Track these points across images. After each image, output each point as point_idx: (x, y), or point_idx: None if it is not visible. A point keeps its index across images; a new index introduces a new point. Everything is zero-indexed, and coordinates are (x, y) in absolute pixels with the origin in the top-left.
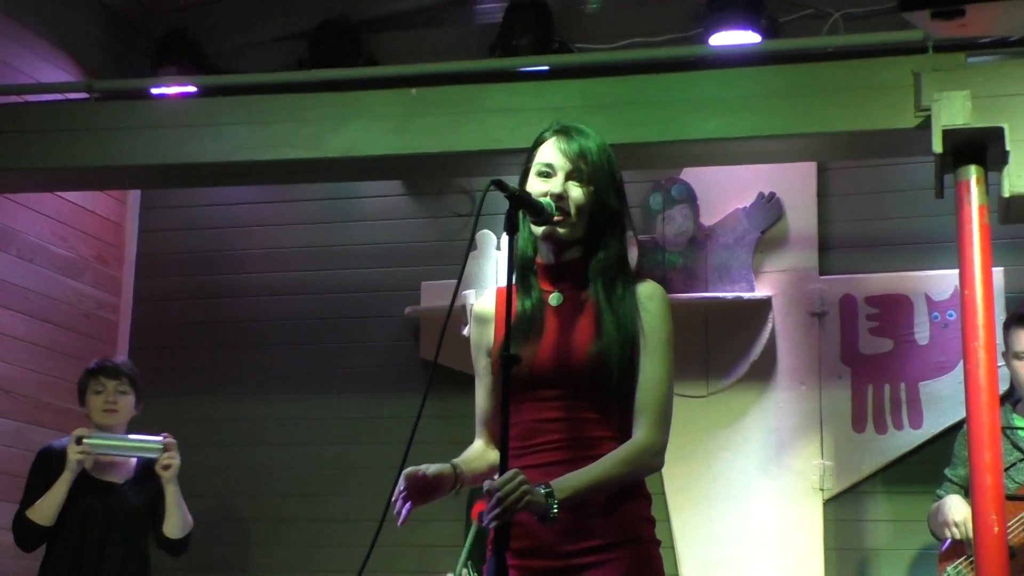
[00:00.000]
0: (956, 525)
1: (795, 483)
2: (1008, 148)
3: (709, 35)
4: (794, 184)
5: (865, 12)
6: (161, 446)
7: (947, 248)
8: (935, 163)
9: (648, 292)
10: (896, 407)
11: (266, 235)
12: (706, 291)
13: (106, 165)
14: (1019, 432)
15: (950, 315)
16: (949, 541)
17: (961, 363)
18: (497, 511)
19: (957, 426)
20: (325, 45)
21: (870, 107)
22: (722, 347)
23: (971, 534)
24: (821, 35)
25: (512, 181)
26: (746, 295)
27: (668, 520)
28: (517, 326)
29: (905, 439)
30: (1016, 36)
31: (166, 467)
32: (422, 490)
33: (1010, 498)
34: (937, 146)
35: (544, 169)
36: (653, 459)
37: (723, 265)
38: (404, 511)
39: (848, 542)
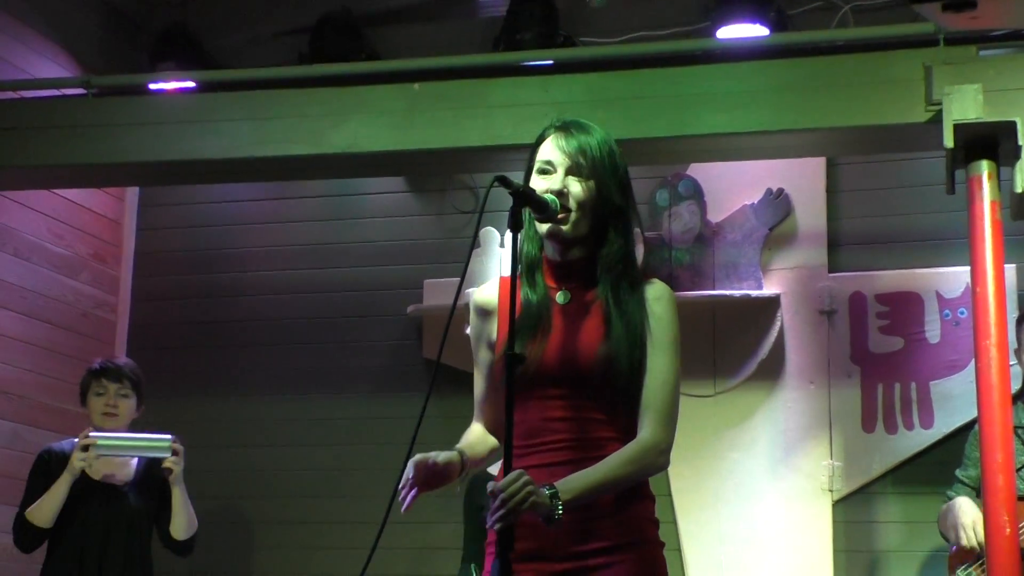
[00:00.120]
0: (965, 528)
1: (804, 484)
2: (1021, 143)
3: (716, 28)
4: (803, 180)
5: (875, 5)
6: (169, 445)
7: (958, 245)
8: (946, 158)
9: (655, 292)
10: (907, 407)
11: (267, 233)
12: (713, 289)
13: (104, 162)
14: None
15: (961, 313)
16: (956, 546)
17: (973, 362)
18: (502, 513)
19: (968, 426)
20: (326, 39)
21: (880, 101)
22: (730, 346)
23: (981, 537)
24: (830, 28)
25: (516, 177)
26: (754, 293)
27: (675, 521)
28: (522, 322)
29: (916, 439)
30: None
31: (169, 470)
32: (430, 478)
33: (1022, 499)
34: (948, 141)
35: (544, 166)
36: (659, 458)
37: (731, 262)
38: (409, 498)
39: (858, 544)
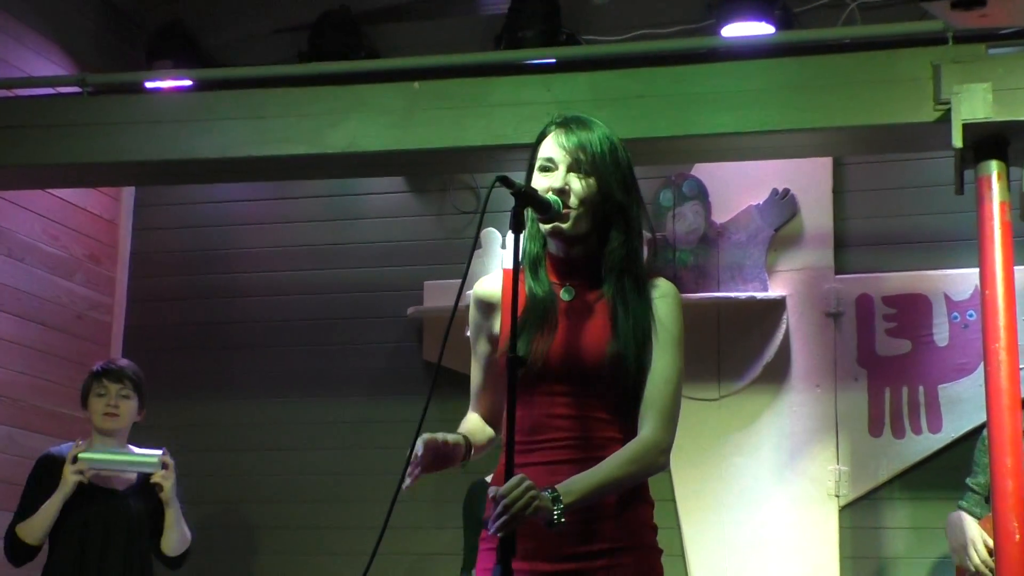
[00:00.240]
0: (965, 550)
1: (810, 489)
2: None
3: (721, 26)
4: (809, 180)
5: (882, 2)
6: (159, 460)
7: (967, 246)
8: (955, 158)
9: (660, 291)
10: (914, 411)
11: (264, 233)
12: (718, 291)
13: (99, 161)
14: None
15: (970, 315)
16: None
17: (981, 365)
18: (504, 519)
19: (977, 430)
20: (325, 37)
21: (887, 100)
22: (734, 348)
23: (983, 554)
24: (837, 26)
25: (518, 177)
26: (759, 295)
27: (679, 527)
28: (528, 317)
29: (923, 444)
30: None
31: (159, 486)
32: (437, 458)
33: None
34: (957, 140)
35: (545, 164)
36: (659, 457)
37: (735, 264)
38: (413, 477)
39: (864, 550)
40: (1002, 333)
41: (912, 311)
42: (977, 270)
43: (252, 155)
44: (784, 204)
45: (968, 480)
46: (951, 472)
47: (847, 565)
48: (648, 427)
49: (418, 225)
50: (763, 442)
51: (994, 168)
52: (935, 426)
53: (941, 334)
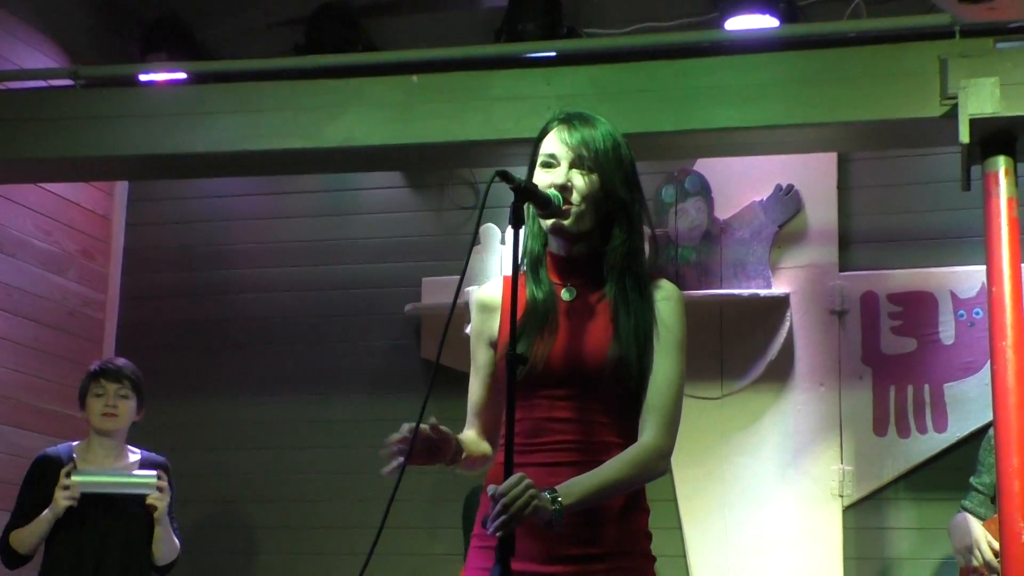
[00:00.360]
0: (972, 549)
1: (813, 489)
2: None
3: (725, 19)
4: (813, 176)
5: None
6: (154, 482)
7: (974, 243)
8: (962, 154)
9: (663, 293)
10: (920, 410)
11: (261, 229)
12: (721, 288)
13: (92, 155)
14: None
15: (977, 313)
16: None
17: (988, 364)
18: (504, 519)
19: (983, 430)
20: (323, 30)
21: (893, 95)
22: (737, 346)
23: (989, 555)
24: (842, 19)
25: (518, 172)
26: (763, 292)
27: (680, 527)
28: (527, 320)
29: (929, 443)
30: None
31: (154, 507)
32: (423, 447)
33: None
34: (964, 136)
35: (547, 159)
36: (660, 462)
37: (739, 261)
38: (395, 462)
39: (869, 551)
40: (1009, 331)
41: (918, 309)
42: (984, 267)
43: (248, 150)
44: (788, 200)
45: (972, 479)
46: (957, 472)
47: (851, 566)
48: (649, 432)
49: (416, 221)
50: (766, 441)
51: (1001, 164)
52: (941, 426)
53: (947, 332)
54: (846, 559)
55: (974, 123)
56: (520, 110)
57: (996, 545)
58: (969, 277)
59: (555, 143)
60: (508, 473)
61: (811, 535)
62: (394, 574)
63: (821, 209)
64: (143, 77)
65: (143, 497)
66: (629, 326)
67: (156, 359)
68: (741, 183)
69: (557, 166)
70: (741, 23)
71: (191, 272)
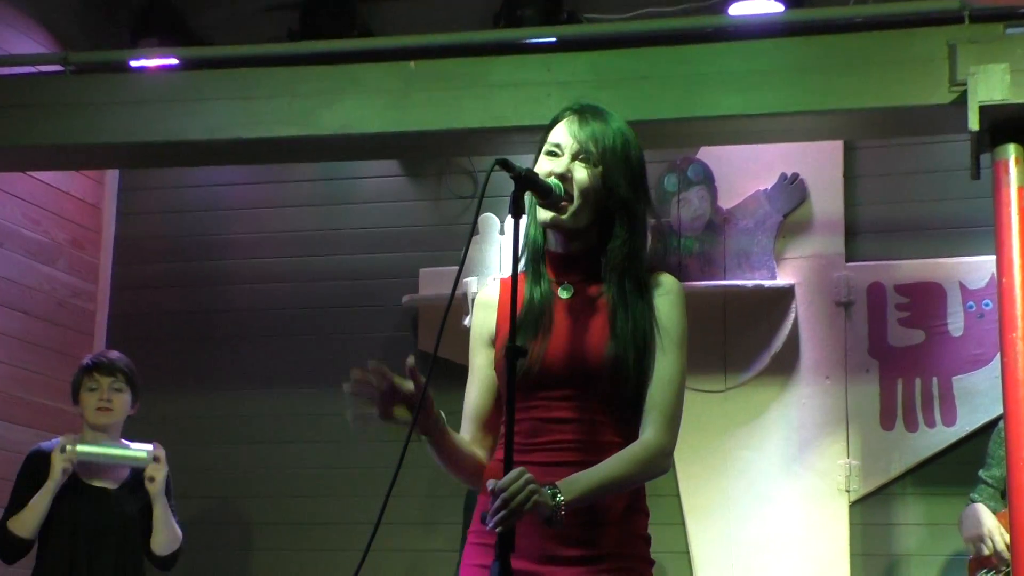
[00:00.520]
0: (984, 539)
1: (819, 484)
2: None
3: (729, 4)
4: (819, 164)
5: None
6: (151, 455)
7: (983, 233)
8: (971, 141)
9: (663, 287)
10: (928, 403)
11: (254, 219)
12: (724, 279)
13: (82, 143)
14: None
15: (986, 304)
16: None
17: (998, 356)
18: (503, 514)
19: (993, 423)
20: (318, 15)
21: (901, 81)
22: (741, 339)
23: (1000, 545)
24: (848, 4)
25: (518, 161)
26: (767, 283)
27: (683, 524)
28: (524, 317)
29: (937, 437)
30: None
31: (152, 479)
32: (403, 398)
33: None
34: (973, 123)
35: (553, 148)
36: (663, 460)
37: (742, 251)
38: (363, 413)
39: (876, 547)
40: (1019, 323)
41: (926, 300)
42: (993, 258)
43: (241, 137)
44: (793, 189)
45: (981, 472)
46: (965, 467)
47: (857, 563)
48: (650, 430)
49: (413, 210)
50: (771, 436)
51: (1012, 152)
52: (949, 419)
53: (956, 324)
54: (853, 555)
55: (983, 110)
56: (519, 97)
57: (1007, 537)
58: (978, 267)
59: (563, 134)
60: (508, 469)
61: (817, 531)
62: (391, 570)
63: (827, 198)
64: (134, 63)
65: (138, 492)
66: (627, 326)
67: (148, 351)
68: (745, 172)
69: (561, 156)
70: (745, 8)
71: (184, 262)
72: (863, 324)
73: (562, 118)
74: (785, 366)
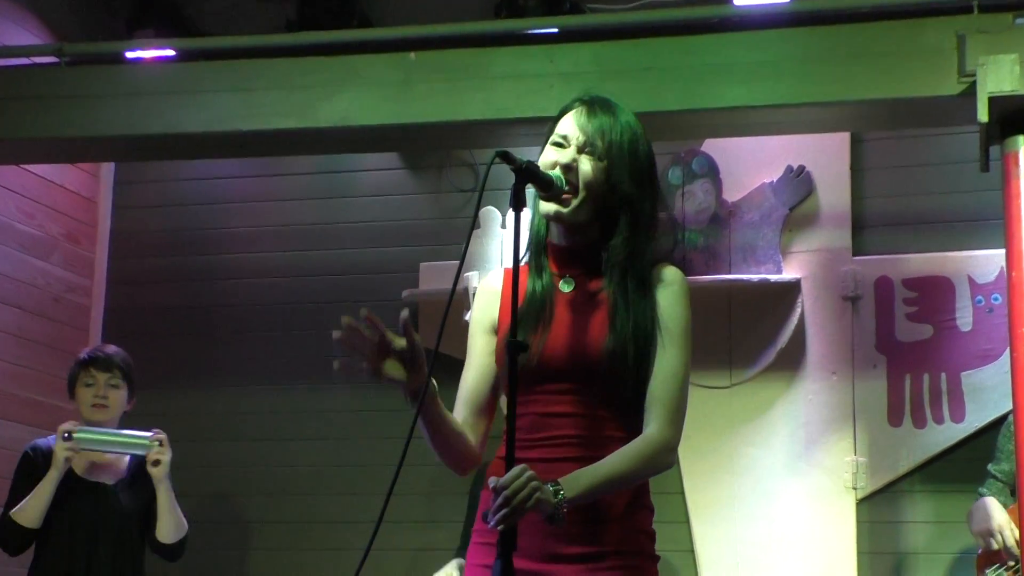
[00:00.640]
0: (994, 533)
1: (825, 482)
2: None
3: None
4: (826, 157)
5: None
6: (152, 441)
7: (992, 226)
8: (980, 133)
9: (666, 278)
10: (936, 399)
11: (252, 213)
12: (729, 273)
13: (77, 135)
14: None
15: (995, 299)
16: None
17: (1007, 351)
18: (505, 512)
19: (1002, 420)
20: (316, 5)
21: (909, 72)
22: (746, 334)
23: (1010, 541)
24: None
25: (520, 153)
26: (773, 277)
27: (688, 522)
28: (525, 310)
29: (946, 434)
30: None
31: (156, 463)
32: (398, 356)
33: None
34: (983, 115)
35: (559, 140)
36: (667, 456)
37: (748, 245)
38: (350, 364)
39: (883, 545)
40: None
41: (934, 294)
42: (1003, 251)
43: (239, 130)
44: (799, 182)
45: (990, 467)
46: (975, 464)
47: (864, 561)
48: (654, 424)
49: (414, 204)
50: (777, 432)
51: (1021, 144)
52: (958, 415)
53: (964, 318)
54: (860, 554)
55: (993, 101)
56: (521, 88)
57: (1018, 533)
58: (987, 261)
59: (571, 125)
60: (510, 466)
61: (823, 529)
62: (392, 569)
63: (834, 191)
64: (130, 54)
65: (136, 487)
66: (627, 322)
67: (144, 347)
68: (750, 164)
69: (567, 147)
70: None
71: (180, 257)
72: (870, 319)
73: (571, 109)
74: (791, 362)
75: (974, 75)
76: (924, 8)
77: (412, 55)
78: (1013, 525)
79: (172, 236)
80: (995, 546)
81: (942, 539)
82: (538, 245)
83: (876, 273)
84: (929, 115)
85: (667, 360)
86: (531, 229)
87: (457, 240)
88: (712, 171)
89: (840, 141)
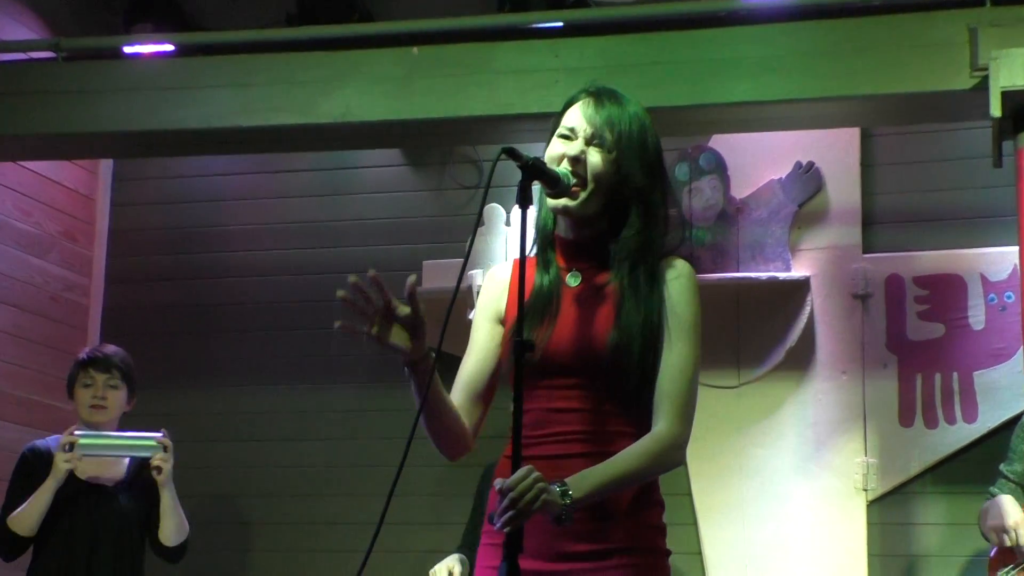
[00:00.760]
0: (1006, 532)
1: (835, 483)
2: None
3: None
4: (835, 153)
5: None
6: (158, 443)
7: (1005, 223)
8: (993, 128)
9: (674, 272)
10: (948, 399)
11: (252, 210)
12: (737, 271)
13: (75, 131)
14: None
15: (1008, 297)
16: (997, 548)
17: (1020, 350)
18: (512, 514)
19: (1015, 420)
20: None
21: (920, 66)
22: (755, 332)
23: (1023, 540)
24: None
25: (524, 149)
26: (782, 275)
27: (696, 524)
28: (532, 304)
29: (958, 434)
30: None
31: (158, 468)
32: (403, 319)
33: None
34: (995, 109)
35: (566, 132)
36: (676, 453)
37: (756, 242)
38: (352, 327)
39: (894, 547)
40: None
41: (945, 292)
42: (1016, 248)
43: (238, 125)
44: (808, 178)
45: (1002, 467)
46: (987, 464)
47: (875, 563)
48: (663, 421)
49: (416, 201)
50: (786, 432)
51: None
52: (970, 415)
53: (977, 317)
54: (870, 556)
55: (1006, 96)
56: (525, 84)
57: None
58: (1000, 259)
59: (578, 117)
60: (516, 466)
61: (833, 531)
62: (397, 572)
63: (843, 187)
64: (128, 49)
65: (136, 488)
66: (634, 316)
67: (143, 346)
68: (758, 160)
69: (575, 139)
70: None
71: (179, 254)
72: (881, 317)
73: (577, 100)
74: (800, 361)
75: (986, 69)
76: (935, 1)
77: (414, 50)
78: None
79: (171, 234)
80: (1008, 543)
81: (954, 542)
82: (544, 239)
83: (887, 271)
84: (941, 110)
85: (676, 355)
86: (537, 223)
87: (461, 238)
88: (720, 167)
89: (850, 137)
